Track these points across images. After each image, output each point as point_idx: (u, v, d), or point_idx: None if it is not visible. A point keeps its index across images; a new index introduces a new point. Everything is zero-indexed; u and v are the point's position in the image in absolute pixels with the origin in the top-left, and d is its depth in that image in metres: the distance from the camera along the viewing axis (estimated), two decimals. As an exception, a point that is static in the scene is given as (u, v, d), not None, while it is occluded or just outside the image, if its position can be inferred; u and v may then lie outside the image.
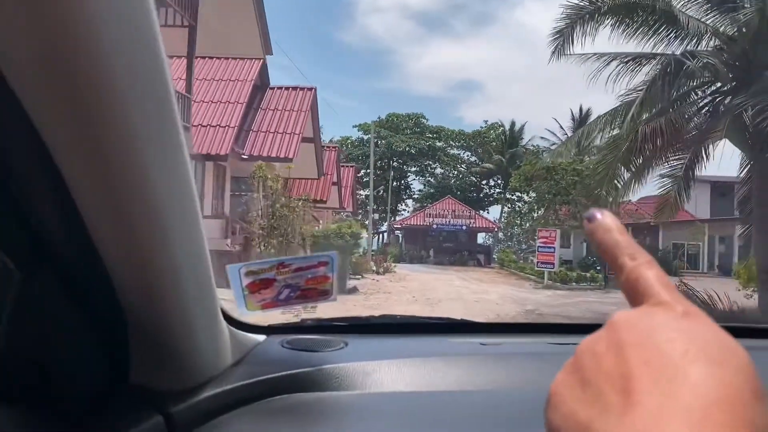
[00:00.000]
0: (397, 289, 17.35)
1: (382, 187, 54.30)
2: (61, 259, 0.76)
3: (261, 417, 1.02)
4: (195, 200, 0.77)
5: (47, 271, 0.76)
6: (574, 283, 21.35)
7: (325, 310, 1.61)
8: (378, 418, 1.06)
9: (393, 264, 27.04)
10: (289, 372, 1.11)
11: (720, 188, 47.49)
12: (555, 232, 21.34)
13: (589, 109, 54.63)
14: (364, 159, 52.28)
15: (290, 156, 13.95)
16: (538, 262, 21.63)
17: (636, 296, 0.41)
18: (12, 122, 0.58)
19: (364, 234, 18.04)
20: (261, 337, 1.28)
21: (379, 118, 54.58)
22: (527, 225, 63.40)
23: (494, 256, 49.30)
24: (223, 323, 1.03)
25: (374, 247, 51.02)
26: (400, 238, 44.15)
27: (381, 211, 53.69)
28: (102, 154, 0.62)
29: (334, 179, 21.70)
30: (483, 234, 50.54)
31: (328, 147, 21.65)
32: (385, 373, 1.17)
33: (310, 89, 16.00)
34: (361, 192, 55.47)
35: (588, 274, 21.81)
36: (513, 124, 54.94)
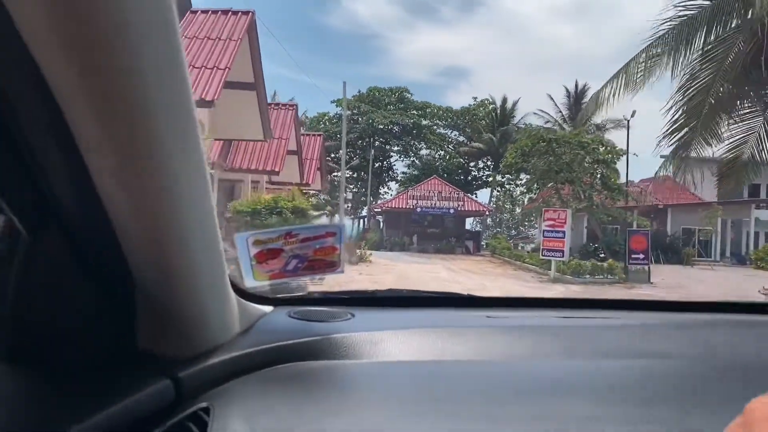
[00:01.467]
0: (363, 287, 13.09)
1: (354, 163, 50.08)
2: (70, 221, 0.78)
3: (268, 383, 1.03)
4: (204, 167, 0.78)
5: (54, 233, 0.77)
6: (588, 276, 17.33)
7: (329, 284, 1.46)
8: (385, 385, 1.06)
9: (368, 252, 22.85)
10: (296, 341, 1.12)
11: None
12: (565, 213, 17.36)
13: (585, 85, 50.78)
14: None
15: (209, 99, 9.67)
16: (543, 250, 17.62)
17: None
18: (23, 74, 0.61)
19: (315, 212, 14.02)
20: (269, 308, 1.29)
21: (359, 92, 50.16)
22: (518, 210, 60.03)
23: (483, 242, 45.60)
24: (231, 292, 1.04)
25: (352, 233, 46.92)
26: (381, 224, 40.01)
27: (361, 194, 49.45)
28: (112, 115, 0.64)
29: (293, 147, 17.38)
30: (470, 219, 46.63)
31: (282, 105, 17.33)
32: (393, 342, 1.17)
33: (246, 13, 11.67)
34: (340, 174, 51.30)
35: (605, 264, 17.79)
36: (504, 100, 50.89)
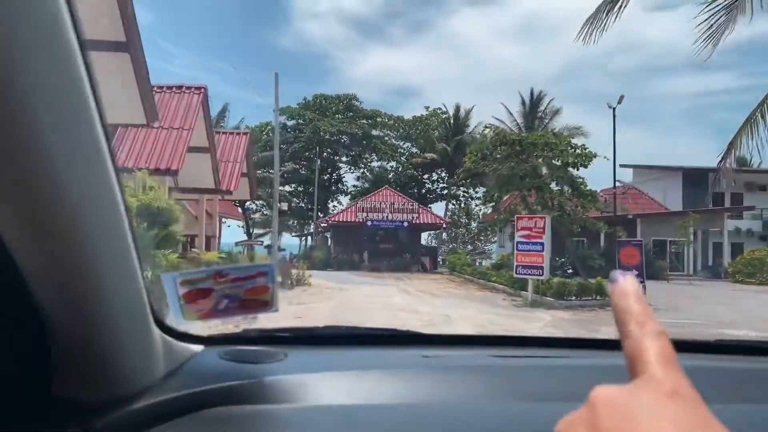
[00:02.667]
0: (288, 323, 9.53)
1: (287, 166, 46.32)
2: None
3: (193, 429, 1.01)
4: (117, 199, 0.76)
5: None
6: (574, 298, 14.17)
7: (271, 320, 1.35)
8: (314, 431, 1.05)
9: (308, 273, 19.20)
10: (224, 384, 1.09)
11: (692, 177, 42.50)
12: (543, 220, 14.25)
13: (541, 92, 48.75)
14: (288, 144, 44.29)
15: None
16: (517, 267, 14.40)
17: (634, 367, 0.40)
18: None
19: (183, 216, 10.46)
20: (199, 348, 1.26)
21: (305, 99, 46.64)
22: (474, 224, 57.34)
23: (440, 258, 42.52)
24: (156, 332, 1.01)
25: (297, 252, 43.04)
26: (329, 240, 36.41)
27: (308, 209, 45.70)
28: (14, 157, 0.60)
29: (199, 143, 13.66)
30: (426, 234, 43.50)
31: (185, 88, 13.57)
32: (324, 385, 1.16)
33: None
34: (287, 187, 47.41)
35: (592, 282, 14.69)
36: (457, 109, 48.29)
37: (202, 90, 13.58)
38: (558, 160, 23.19)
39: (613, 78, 74.63)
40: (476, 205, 52.73)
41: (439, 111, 50.18)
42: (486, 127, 23.19)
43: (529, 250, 14.19)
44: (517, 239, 14.62)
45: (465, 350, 1.58)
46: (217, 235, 18.73)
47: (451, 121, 48.63)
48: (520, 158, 23.63)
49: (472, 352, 1.55)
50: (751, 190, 40.28)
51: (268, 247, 48.76)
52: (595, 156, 22.81)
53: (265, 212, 49.64)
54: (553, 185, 23.56)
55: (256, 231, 56.94)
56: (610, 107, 18.13)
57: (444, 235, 51.32)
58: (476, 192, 52.95)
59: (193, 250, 15.91)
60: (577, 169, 23.35)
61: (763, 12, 10.17)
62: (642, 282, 15.48)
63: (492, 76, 76.34)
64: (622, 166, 39.63)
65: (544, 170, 23.97)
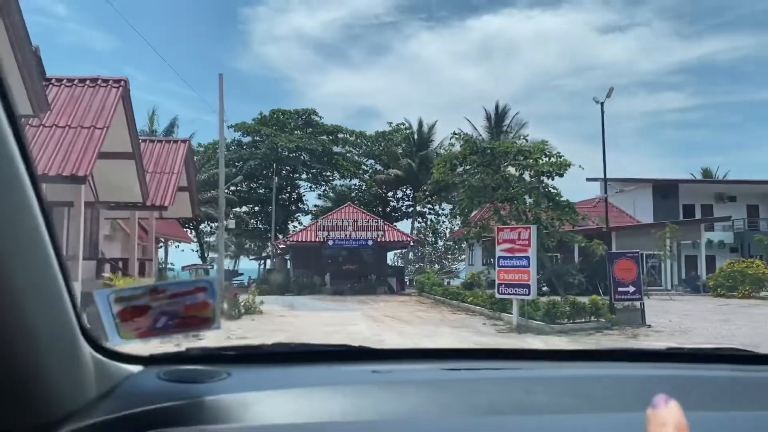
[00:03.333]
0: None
1: (237, 179, 43.78)
2: None
3: None
4: (34, 208, 0.74)
5: None
6: (567, 321, 12.21)
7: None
8: None
9: (258, 300, 16.87)
10: (162, 405, 1.04)
11: (663, 189, 41.65)
12: (528, 230, 12.32)
13: (506, 106, 47.62)
14: (243, 162, 41.85)
15: None
16: (500, 286, 12.40)
17: None
18: None
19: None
20: (137, 368, 1.21)
21: (260, 114, 44.32)
22: (441, 243, 55.53)
23: (407, 278, 40.42)
24: (86, 352, 0.98)
25: (255, 276, 40.37)
26: (288, 262, 33.98)
27: (266, 230, 43.15)
28: None
29: (120, 147, 11.31)
30: (392, 253, 41.45)
31: (100, 81, 11.14)
32: (268, 404, 1.12)
33: None
34: (240, 208, 44.79)
35: (586, 302, 12.77)
36: (421, 124, 46.66)
37: (122, 83, 11.25)
38: (531, 170, 21.55)
39: (569, 98, 75.77)
40: (443, 222, 51.24)
41: (402, 126, 48.51)
42: (454, 134, 21.22)
43: (512, 266, 12.23)
44: (498, 254, 12.64)
45: (417, 364, 1.56)
46: (154, 258, 16.22)
47: (415, 136, 46.96)
48: (491, 168, 21.89)
49: (423, 366, 1.53)
50: (721, 201, 39.60)
51: (226, 271, 46.16)
52: (569, 165, 21.21)
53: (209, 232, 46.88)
54: (526, 197, 21.88)
55: (213, 255, 54.09)
56: (597, 102, 16.50)
57: (411, 254, 49.36)
58: (442, 209, 51.54)
59: (116, 274, 13.43)
60: (552, 179, 21.75)
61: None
62: (640, 300, 13.76)
63: (452, 98, 77.43)
64: (588, 180, 38.48)
65: (515, 181, 22.29)
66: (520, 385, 1.32)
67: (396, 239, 29.82)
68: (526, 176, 22.43)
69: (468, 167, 21.55)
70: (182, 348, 1.40)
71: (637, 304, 13.19)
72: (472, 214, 24.14)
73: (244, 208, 45.35)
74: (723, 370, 1.51)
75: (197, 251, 48.38)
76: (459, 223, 47.76)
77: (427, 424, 1.11)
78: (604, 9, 74.81)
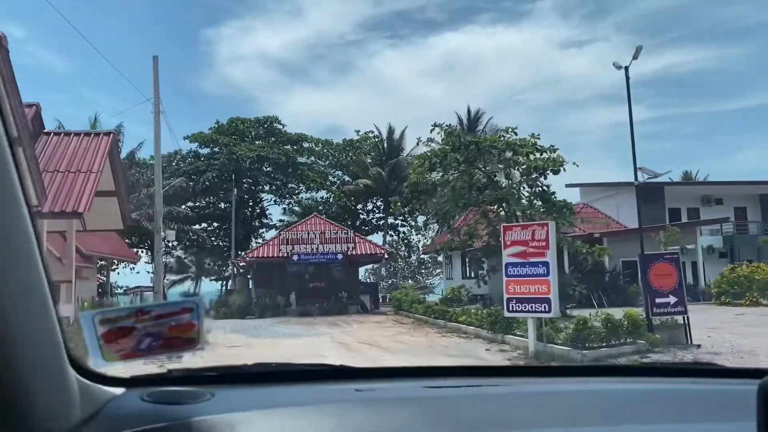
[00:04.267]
0: None
1: (210, 210, 40.31)
2: None
3: None
4: (29, 239, 0.77)
5: None
6: (601, 344, 9.36)
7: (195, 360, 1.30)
8: None
9: (204, 328, 13.52)
10: (145, 427, 1.03)
11: (647, 193, 39.63)
12: (546, 227, 9.49)
13: (479, 110, 45.41)
14: (199, 174, 38.45)
15: None
16: (509, 301, 9.56)
17: None
18: None
19: None
20: (120, 390, 1.21)
21: (217, 123, 41.01)
22: (414, 257, 52.64)
23: (381, 296, 37.41)
24: (71, 375, 0.98)
25: (216, 298, 36.82)
26: (250, 282, 30.67)
27: (227, 248, 39.65)
28: None
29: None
30: (364, 268, 38.40)
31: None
32: (252, 424, 1.11)
33: None
34: (199, 225, 41.23)
35: (623, 321, 9.91)
36: (391, 130, 43.96)
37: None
38: (522, 167, 18.94)
39: (534, 112, 75.99)
40: (417, 234, 48.41)
41: (371, 134, 45.78)
42: (435, 125, 18.30)
43: (527, 275, 9.41)
44: (506, 260, 9.81)
45: (398, 382, 1.57)
46: (74, 280, 12.96)
47: (384, 144, 44.25)
48: (476, 166, 19.20)
49: (405, 384, 1.54)
50: (707, 204, 37.80)
51: (185, 294, 42.48)
52: (564, 162, 18.65)
53: (175, 253, 43.16)
54: (519, 197, 19.22)
55: (172, 277, 50.21)
56: (619, 68, 13.87)
57: (383, 270, 46.40)
58: (414, 221, 48.79)
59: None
60: (545, 177, 19.18)
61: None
62: (684, 313, 11.11)
63: (417, 114, 77.10)
64: (567, 185, 36.30)
65: (503, 179, 19.64)
66: (500, 401, 1.36)
67: (368, 252, 26.84)
68: (516, 174, 19.87)
69: (451, 164, 18.83)
70: (164, 369, 1.36)
71: (679, 318, 10.48)
72: (455, 221, 21.41)
73: (204, 225, 41.87)
74: (698, 383, 1.59)
75: (151, 272, 44.60)
76: (434, 234, 45.24)
77: None
78: (564, 25, 75.71)
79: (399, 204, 21.78)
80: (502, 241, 9.93)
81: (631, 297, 25.80)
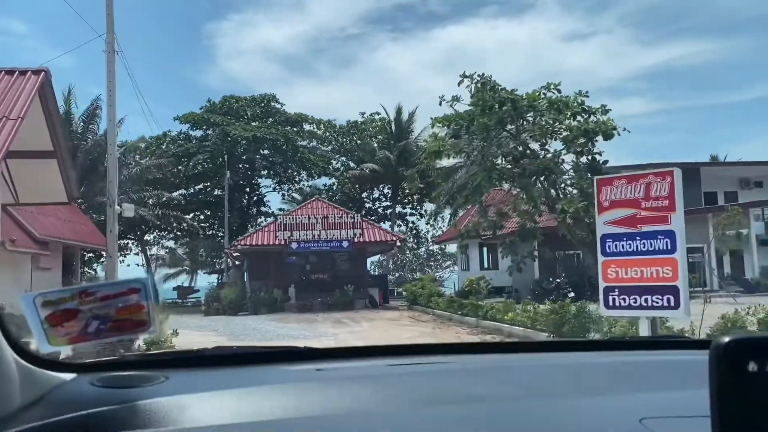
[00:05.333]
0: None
1: (203, 197, 37.06)
2: None
3: None
4: None
5: None
6: None
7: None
8: None
9: (168, 331, 10.32)
10: (93, 410, 1.00)
11: (683, 174, 36.45)
12: (669, 178, 6.16)
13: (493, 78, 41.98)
14: (189, 157, 35.20)
15: None
16: (607, 291, 6.22)
17: None
18: None
19: None
20: (69, 376, 1.17)
21: (209, 101, 37.67)
22: (423, 248, 49.34)
23: (394, 289, 34.20)
24: (11, 360, 0.97)
25: (197, 294, 33.64)
26: (245, 273, 27.44)
27: (218, 239, 36.39)
28: None
29: None
30: (372, 258, 35.13)
31: None
32: (206, 405, 1.09)
33: None
34: (191, 216, 38.00)
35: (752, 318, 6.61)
36: (399, 110, 40.56)
37: None
38: (566, 133, 15.62)
39: None
40: (427, 224, 45.07)
41: (377, 116, 42.44)
42: (464, 76, 14.78)
43: (639, 252, 6.12)
44: (602, 230, 6.53)
45: (361, 361, 1.56)
46: None
47: (393, 126, 40.86)
48: (509, 131, 15.92)
49: (368, 363, 1.53)
50: (746, 187, 34.43)
51: (179, 288, 39.27)
52: (616, 127, 15.32)
53: (166, 244, 39.96)
54: (564, 167, 15.90)
55: (165, 270, 47.07)
56: None
57: (390, 262, 43.11)
58: (423, 209, 45.48)
59: None
60: (593, 144, 15.86)
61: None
62: None
63: (420, 107, 76.48)
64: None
65: (536, 147, 16.26)
66: (462, 376, 1.39)
67: (378, 239, 23.53)
68: (556, 144, 16.55)
69: (480, 130, 15.52)
70: (117, 355, 1.32)
71: None
72: (474, 201, 17.92)
73: (197, 214, 38.62)
74: (666, 355, 1.66)
75: (142, 265, 41.30)
76: (447, 223, 42.01)
77: (369, 417, 1.10)
78: (567, 17, 73.71)
79: (416, 179, 18.35)
80: (596, 203, 6.66)
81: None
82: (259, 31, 76.04)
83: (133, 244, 39.87)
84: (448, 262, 47.58)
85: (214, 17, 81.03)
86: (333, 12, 77.75)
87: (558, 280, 22.59)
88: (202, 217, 38.56)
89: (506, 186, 15.87)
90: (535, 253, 20.72)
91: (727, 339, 0.68)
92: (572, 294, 21.80)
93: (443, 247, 46.76)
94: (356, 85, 78.94)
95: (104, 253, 29.39)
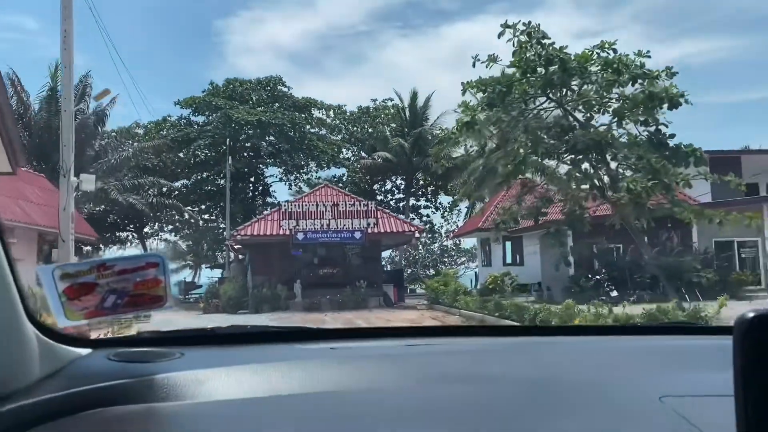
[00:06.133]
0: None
1: (204, 187, 34.61)
2: None
3: (79, 430, 0.95)
4: None
5: None
6: None
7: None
8: (208, 426, 0.99)
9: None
10: (109, 383, 1.03)
11: (721, 163, 33.57)
12: None
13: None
14: (189, 143, 32.87)
15: None
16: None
17: None
18: None
19: None
20: (86, 351, 1.19)
21: (211, 84, 35.29)
22: (437, 244, 46.80)
23: (407, 286, 31.77)
24: (31, 334, 0.98)
25: (199, 289, 31.30)
26: (247, 266, 25.02)
27: (221, 231, 34.00)
28: None
29: None
30: (387, 251, 32.66)
31: None
32: (222, 380, 1.10)
33: None
34: (193, 208, 35.63)
35: None
36: (414, 95, 37.99)
37: None
38: (624, 101, 13.05)
39: None
40: (443, 217, 42.55)
41: (389, 102, 39.98)
42: (505, 26, 12.10)
43: None
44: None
45: (375, 341, 1.56)
46: None
47: (407, 112, 38.34)
48: (554, 98, 13.36)
49: (381, 343, 1.53)
50: (790, 178, 31.73)
51: (180, 283, 36.93)
52: (683, 95, 12.73)
53: (165, 237, 37.65)
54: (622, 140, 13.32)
55: (173, 264, 44.79)
56: None
57: (402, 258, 40.59)
58: (438, 202, 42.95)
59: None
60: (657, 114, 13.30)
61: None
62: None
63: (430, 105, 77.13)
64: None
65: (579, 117, 13.64)
66: (473, 357, 1.39)
67: (394, 230, 21.00)
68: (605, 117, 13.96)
69: (521, 96, 12.99)
70: (134, 331, 1.33)
71: None
72: (511, 180, 15.27)
73: (198, 204, 36.25)
74: (690, 339, 1.64)
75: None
76: (465, 214, 39.44)
77: (382, 394, 1.11)
78: (579, 14, 72.21)
79: (442, 157, 15.81)
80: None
81: (733, 285, 19.97)
82: (269, 28, 75.91)
83: (132, 236, 37.62)
84: (463, 259, 45.22)
85: (223, 14, 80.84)
86: (343, 9, 78.05)
87: (598, 277, 20.01)
88: (203, 207, 36.16)
89: (552, 163, 13.28)
90: (593, 245, 18.23)
91: (751, 314, 0.67)
92: (615, 293, 19.31)
93: (458, 242, 44.50)
94: (365, 82, 78.76)
95: (99, 244, 27.17)
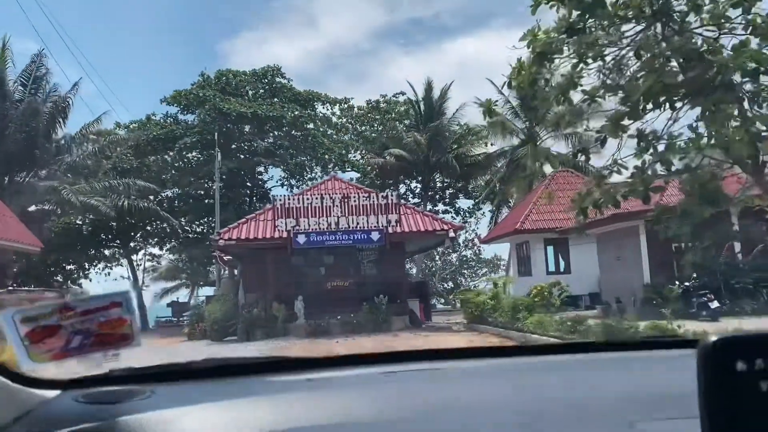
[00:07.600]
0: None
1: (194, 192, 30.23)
2: None
3: None
4: None
5: None
6: None
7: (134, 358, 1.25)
8: None
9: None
10: (75, 428, 0.99)
11: None
12: None
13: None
14: (174, 140, 28.55)
15: None
16: None
17: None
18: None
19: None
20: (53, 393, 1.17)
21: (202, 75, 30.97)
22: (456, 253, 42.27)
23: (435, 300, 27.21)
24: None
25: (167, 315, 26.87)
26: (239, 281, 20.54)
27: (205, 239, 29.47)
28: None
29: None
30: (413, 257, 28.05)
31: None
32: (191, 419, 1.07)
33: None
34: (183, 219, 31.20)
35: None
36: (429, 86, 33.59)
37: None
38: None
39: None
40: (464, 221, 37.98)
41: (401, 96, 35.74)
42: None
43: None
44: None
45: (353, 370, 1.49)
46: None
47: (422, 105, 33.99)
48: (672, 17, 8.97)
49: (360, 371, 1.47)
50: None
51: (173, 304, 32.54)
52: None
53: (155, 259, 33.33)
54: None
55: (162, 285, 40.42)
56: None
57: (419, 270, 36.01)
58: (457, 207, 38.57)
59: None
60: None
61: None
62: None
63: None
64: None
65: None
66: (456, 382, 1.35)
67: (423, 228, 16.41)
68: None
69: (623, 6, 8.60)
70: (104, 370, 1.28)
71: None
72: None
73: (187, 214, 31.79)
74: (657, 354, 1.63)
75: (128, 277, 34.46)
76: (491, 218, 35.00)
77: (359, 426, 1.08)
78: None
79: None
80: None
81: None
82: (273, 48, 77.07)
83: (118, 253, 33.20)
84: (484, 270, 40.74)
85: (227, 36, 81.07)
86: (346, 28, 79.31)
87: (687, 284, 15.41)
88: (194, 216, 31.70)
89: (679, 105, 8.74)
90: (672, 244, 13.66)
91: (713, 339, 0.68)
92: (715, 303, 14.75)
93: (478, 251, 40.19)
94: (369, 98, 78.58)
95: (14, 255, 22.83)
